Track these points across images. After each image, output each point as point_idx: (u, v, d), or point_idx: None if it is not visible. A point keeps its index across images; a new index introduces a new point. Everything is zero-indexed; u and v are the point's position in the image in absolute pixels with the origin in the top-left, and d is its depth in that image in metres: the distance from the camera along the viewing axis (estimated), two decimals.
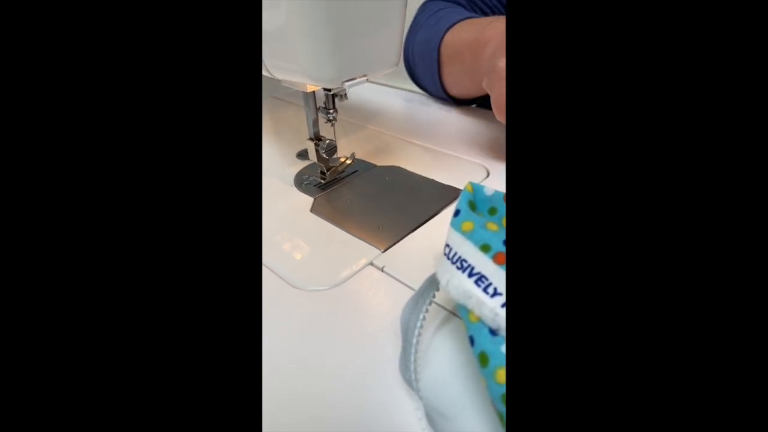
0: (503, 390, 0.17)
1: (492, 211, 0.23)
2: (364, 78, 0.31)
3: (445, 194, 0.38)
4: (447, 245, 0.21)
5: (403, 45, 0.32)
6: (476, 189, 0.23)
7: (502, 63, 0.35)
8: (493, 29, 0.40)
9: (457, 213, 0.22)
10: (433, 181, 0.40)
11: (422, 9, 0.57)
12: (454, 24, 0.48)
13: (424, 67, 0.53)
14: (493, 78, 0.36)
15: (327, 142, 0.38)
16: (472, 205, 0.23)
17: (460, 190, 0.34)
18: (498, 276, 0.19)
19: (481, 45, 0.41)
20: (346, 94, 0.36)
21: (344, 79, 0.30)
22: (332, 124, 0.38)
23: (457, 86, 0.52)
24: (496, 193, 0.23)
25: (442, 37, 0.49)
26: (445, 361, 0.22)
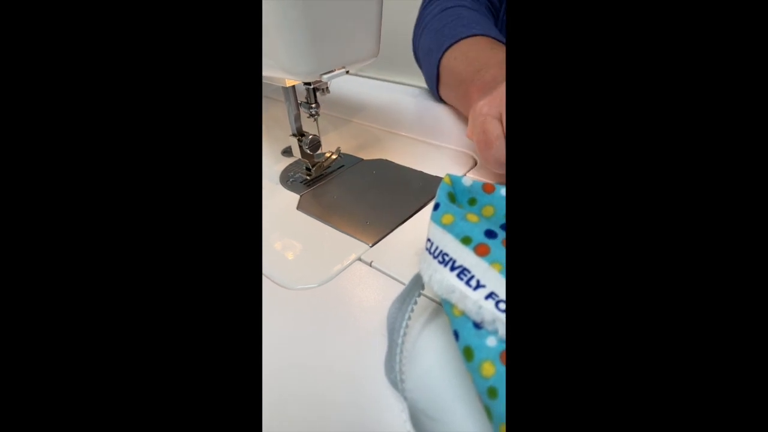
0: (489, 383, 0.16)
1: (472, 201, 0.23)
2: (343, 70, 0.30)
3: (432, 186, 0.37)
4: (428, 239, 0.21)
5: (380, 35, 0.32)
6: (454, 180, 0.23)
7: (490, 126, 0.33)
8: (481, 82, 0.40)
9: (436, 206, 0.21)
10: (420, 172, 0.40)
11: (428, 2, 0.55)
12: (453, 44, 0.47)
13: (426, 74, 0.53)
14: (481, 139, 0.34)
15: (310, 137, 0.37)
16: (452, 197, 0.22)
17: None
18: (480, 268, 0.19)
19: (468, 96, 0.41)
20: (327, 88, 0.36)
21: (322, 72, 0.29)
22: (315, 119, 0.37)
23: (452, 104, 0.52)
24: (475, 183, 0.23)
25: (441, 57, 0.48)
26: (431, 360, 0.22)
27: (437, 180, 0.38)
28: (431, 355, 0.22)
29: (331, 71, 0.30)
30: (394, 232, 0.33)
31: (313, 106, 0.36)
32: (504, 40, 0.47)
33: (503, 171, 0.34)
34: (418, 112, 0.54)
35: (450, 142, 0.45)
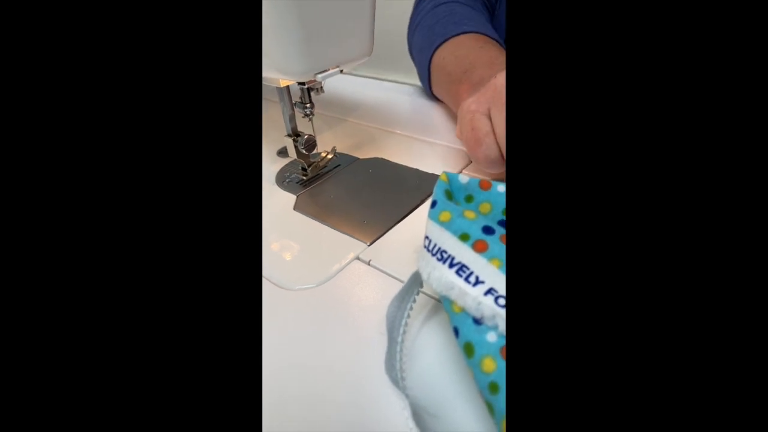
0: (490, 379, 0.16)
1: (468, 198, 0.23)
2: (338, 69, 0.30)
3: (428, 183, 0.37)
4: (426, 237, 0.21)
5: (373, 33, 0.31)
6: (451, 178, 0.23)
7: (477, 123, 0.33)
8: (469, 82, 0.39)
9: (434, 204, 0.21)
10: (416, 170, 0.40)
11: None
12: (443, 42, 0.47)
13: (419, 72, 0.53)
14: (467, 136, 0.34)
15: (305, 137, 0.37)
16: (449, 195, 0.22)
17: None
18: (479, 264, 0.19)
19: (458, 96, 0.41)
20: (322, 87, 0.36)
21: (316, 72, 0.29)
22: (310, 119, 0.37)
23: (444, 102, 0.51)
24: (471, 180, 0.23)
25: (431, 56, 0.48)
26: (431, 357, 0.22)
27: (433, 177, 0.38)
28: (431, 352, 0.22)
29: (326, 71, 0.30)
30: (392, 230, 0.33)
31: (308, 106, 0.36)
32: (496, 36, 0.47)
33: (494, 170, 0.33)
34: (413, 110, 0.54)
35: (445, 139, 0.45)
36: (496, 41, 0.46)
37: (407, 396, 0.20)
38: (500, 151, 0.32)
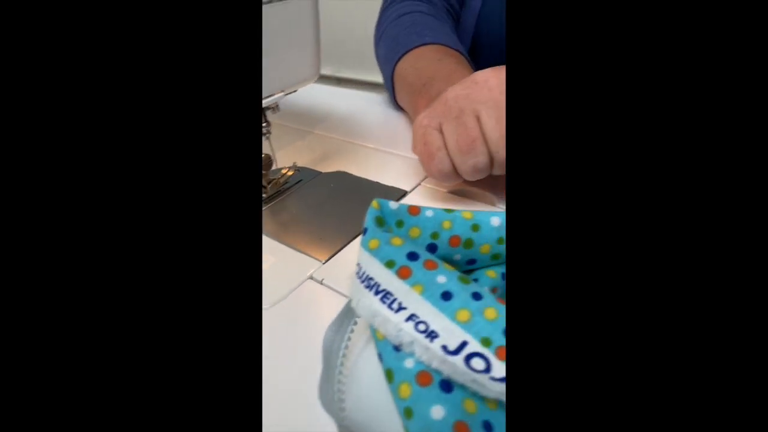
0: (405, 404, 0.17)
1: (399, 223, 0.23)
2: (282, 93, 0.30)
3: (390, 196, 0.38)
4: (358, 264, 0.21)
5: (319, 57, 0.32)
6: (382, 204, 0.24)
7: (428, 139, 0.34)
8: (427, 96, 0.40)
9: (365, 231, 0.22)
10: (378, 183, 0.40)
11: (387, 5, 0.56)
12: (404, 54, 0.48)
13: (385, 82, 0.54)
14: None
15: (261, 156, 0.38)
16: (380, 221, 0.23)
17: (405, 191, 0.35)
18: (402, 291, 0.19)
19: (417, 110, 0.42)
20: (278, 106, 0.36)
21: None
22: (266, 137, 0.38)
23: (408, 112, 0.52)
24: (401, 206, 0.23)
25: (394, 67, 0.49)
26: (371, 379, 0.22)
27: (394, 190, 0.39)
28: (371, 374, 0.23)
29: (271, 95, 0.30)
30: (348, 246, 0.33)
31: (264, 125, 0.37)
32: (458, 45, 0.48)
33: (447, 182, 0.34)
34: (377, 120, 0.54)
35: (408, 150, 0.45)
36: (458, 51, 0.47)
37: (344, 418, 0.21)
38: (452, 164, 0.32)
